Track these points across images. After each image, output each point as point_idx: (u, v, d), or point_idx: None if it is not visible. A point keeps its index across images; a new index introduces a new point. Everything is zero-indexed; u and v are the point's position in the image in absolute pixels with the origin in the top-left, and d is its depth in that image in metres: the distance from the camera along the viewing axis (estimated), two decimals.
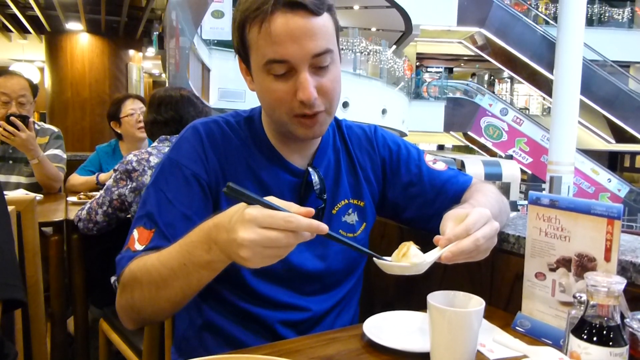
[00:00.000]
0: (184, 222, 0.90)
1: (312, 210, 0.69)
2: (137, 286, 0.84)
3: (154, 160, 1.74)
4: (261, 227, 0.66)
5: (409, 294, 1.45)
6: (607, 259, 0.81)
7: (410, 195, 1.11)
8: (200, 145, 0.95)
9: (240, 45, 0.91)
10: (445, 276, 1.29)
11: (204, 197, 0.94)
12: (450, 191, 1.10)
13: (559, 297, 0.89)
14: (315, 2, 0.85)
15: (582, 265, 0.85)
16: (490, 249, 0.87)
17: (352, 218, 1.06)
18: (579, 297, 0.73)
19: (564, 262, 0.88)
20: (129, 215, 1.80)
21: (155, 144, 1.85)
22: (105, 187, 1.79)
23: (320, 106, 0.90)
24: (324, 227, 0.69)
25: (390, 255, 0.86)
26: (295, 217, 0.67)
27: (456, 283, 1.28)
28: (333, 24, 0.90)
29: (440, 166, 1.13)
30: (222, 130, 0.99)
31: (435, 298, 0.77)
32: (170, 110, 1.86)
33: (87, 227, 1.82)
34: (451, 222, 0.86)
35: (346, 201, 1.06)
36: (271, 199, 0.70)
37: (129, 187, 1.74)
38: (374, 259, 0.83)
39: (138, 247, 0.89)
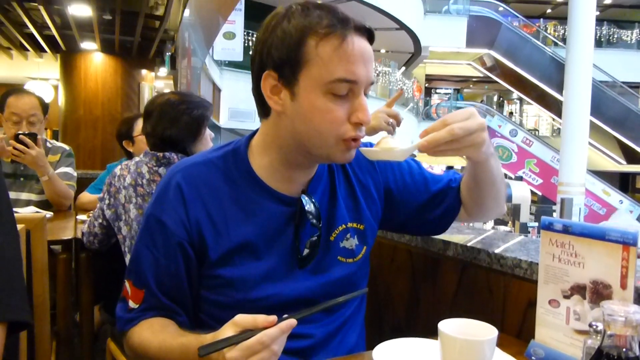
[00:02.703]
0: (172, 279, 0.95)
1: (274, 319, 0.76)
2: (139, 353, 0.94)
3: (128, 179, 1.69)
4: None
5: (419, 317, 1.43)
6: (623, 286, 0.79)
7: (419, 202, 1.11)
8: (181, 204, 0.95)
9: (287, 60, 0.87)
10: (455, 301, 1.27)
11: (188, 260, 0.96)
12: (455, 189, 1.12)
13: (574, 325, 0.87)
14: (372, 31, 0.90)
15: (597, 292, 0.83)
16: (479, 144, 0.89)
17: (351, 243, 1.05)
18: (595, 327, 0.71)
19: (579, 289, 0.86)
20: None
21: (139, 158, 1.75)
22: (98, 198, 1.80)
23: (363, 133, 0.92)
24: (292, 322, 0.77)
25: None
26: (266, 334, 0.74)
27: (467, 308, 1.26)
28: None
29: (438, 171, 1.17)
30: (205, 172, 0.98)
31: (446, 326, 0.76)
32: (146, 121, 1.72)
33: (89, 240, 1.83)
34: None
35: (344, 226, 1.04)
36: (239, 319, 0.77)
37: (106, 202, 1.73)
38: (360, 148, 0.91)
39: (132, 305, 0.97)
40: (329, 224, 1.02)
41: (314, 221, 0.97)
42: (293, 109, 0.89)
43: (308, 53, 0.86)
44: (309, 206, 0.97)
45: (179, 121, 1.68)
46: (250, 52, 0.93)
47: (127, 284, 0.98)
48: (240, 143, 1.01)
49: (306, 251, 0.97)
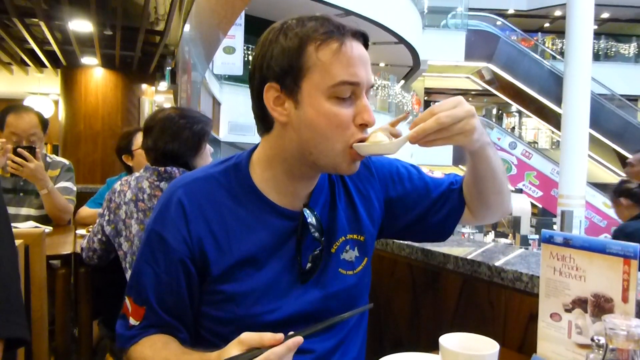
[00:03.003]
0: (173, 295, 0.94)
1: (281, 337, 0.77)
2: None
3: (129, 195, 1.68)
4: None
5: (419, 331, 1.42)
6: (625, 299, 0.79)
7: (421, 208, 1.10)
8: (182, 220, 0.94)
9: (288, 69, 0.88)
10: (456, 314, 1.27)
11: (190, 276, 0.95)
12: (456, 190, 1.11)
13: (576, 339, 0.87)
14: (367, 36, 0.93)
15: (599, 306, 0.83)
16: (469, 131, 0.88)
17: (350, 255, 1.04)
18: (597, 341, 0.70)
19: (580, 303, 0.86)
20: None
21: (139, 173, 1.75)
22: (97, 213, 1.79)
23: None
24: (299, 340, 0.77)
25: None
26: (274, 352, 0.74)
27: (468, 323, 1.25)
28: None
29: (438, 174, 1.14)
30: (206, 187, 0.97)
31: (447, 340, 0.75)
32: (147, 136, 1.72)
33: (88, 255, 1.82)
34: None
35: (344, 238, 1.04)
36: (245, 337, 0.78)
37: (105, 218, 1.71)
38: (353, 144, 0.89)
39: (133, 322, 0.96)
40: (330, 236, 1.02)
41: (317, 235, 0.97)
42: (298, 118, 0.89)
43: (308, 60, 0.87)
44: (311, 219, 0.97)
45: (180, 136, 1.68)
46: (260, 66, 0.92)
47: (127, 301, 0.98)
48: (242, 158, 1.01)
49: (309, 265, 0.97)
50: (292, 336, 0.77)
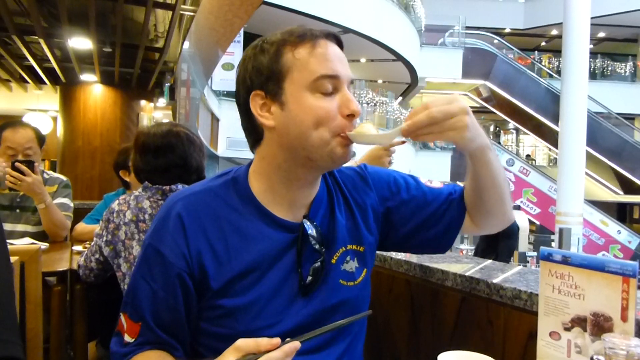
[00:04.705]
0: (170, 312, 0.93)
1: (277, 341, 0.77)
2: None
3: (129, 215, 1.65)
4: None
5: (418, 349, 1.40)
6: (624, 318, 0.79)
7: (420, 218, 1.09)
8: (181, 235, 0.93)
9: (270, 75, 0.92)
10: (455, 333, 1.26)
11: (187, 292, 0.94)
12: (455, 200, 1.10)
13: (575, 358, 0.86)
14: (340, 38, 0.98)
15: (598, 325, 0.82)
16: (461, 128, 0.89)
17: (351, 266, 1.03)
18: None
19: (579, 321, 0.85)
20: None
21: (137, 192, 1.71)
22: (95, 233, 1.76)
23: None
24: (296, 345, 0.77)
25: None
26: (270, 357, 0.74)
27: (467, 340, 1.24)
28: None
29: (437, 184, 1.14)
30: (206, 200, 0.97)
31: (446, 358, 0.74)
32: (170, 153, 1.68)
33: (85, 273, 1.79)
34: None
35: (344, 249, 1.03)
36: (241, 343, 0.78)
37: (104, 239, 1.68)
38: (347, 133, 0.91)
39: (128, 339, 0.94)
40: (330, 247, 1.01)
41: (317, 246, 0.97)
42: (285, 117, 0.92)
43: (287, 62, 0.92)
44: (311, 231, 0.97)
45: (202, 149, 1.75)
46: (247, 77, 0.96)
47: (122, 318, 0.96)
48: (240, 171, 1.02)
49: (309, 278, 0.96)
50: (289, 342, 0.76)
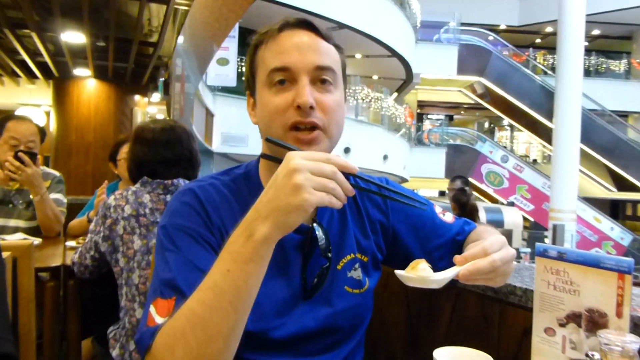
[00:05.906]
0: (199, 271, 0.82)
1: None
2: (177, 344, 0.74)
3: (128, 210, 1.64)
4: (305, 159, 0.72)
5: (413, 345, 1.40)
6: (619, 314, 0.79)
7: (426, 248, 1.08)
8: (200, 208, 0.91)
9: (250, 74, 0.97)
10: (450, 329, 1.26)
11: (214, 255, 0.84)
12: (458, 242, 1.08)
13: (570, 354, 0.86)
14: (322, 29, 0.94)
15: (593, 321, 0.82)
16: (508, 276, 0.87)
17: (358, 273, 1.01)
18: (591, 356, 0.70)
19: (574, 318, 0.85)
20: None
21: (135, 187, 1.70)
22: (89, 229, 1.74)
23: (318, 119, 0.89)
24: (354, 166, 0.76)
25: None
26: (332, 155, 0.74)
27: (462, 337, 1.24)
28: (340, 59, 0.97)
29: (449, 218, 1.11)
30: (219, 192, 0.95)
31: (441, 354, 0.74)
32: (179, 145, 1.75)
33: (80, 270, 1.77)
34: (468, 246, 0.88)
35: (352, 255, 1.01)
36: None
37: (101, 234, 1.66)
38: (395, 271, 0.84)
39: (159, 320, 0.80)
40: (338, 253, 0.99)
41: (324, 251, 0.95)
42: (258, 115, 0.96)
43: (256, 61, 0.96)
44: (319, 233, 0.95)
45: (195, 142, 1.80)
46: (243, 78, 0.99)
47: (151, 308, 0.83)
48: (251, 167, 1.01)
49: (314, 282, 0.95)
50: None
